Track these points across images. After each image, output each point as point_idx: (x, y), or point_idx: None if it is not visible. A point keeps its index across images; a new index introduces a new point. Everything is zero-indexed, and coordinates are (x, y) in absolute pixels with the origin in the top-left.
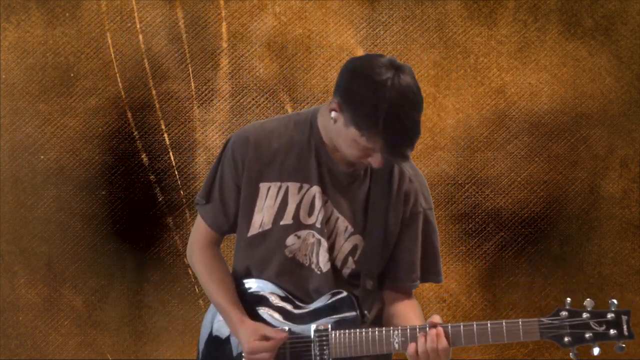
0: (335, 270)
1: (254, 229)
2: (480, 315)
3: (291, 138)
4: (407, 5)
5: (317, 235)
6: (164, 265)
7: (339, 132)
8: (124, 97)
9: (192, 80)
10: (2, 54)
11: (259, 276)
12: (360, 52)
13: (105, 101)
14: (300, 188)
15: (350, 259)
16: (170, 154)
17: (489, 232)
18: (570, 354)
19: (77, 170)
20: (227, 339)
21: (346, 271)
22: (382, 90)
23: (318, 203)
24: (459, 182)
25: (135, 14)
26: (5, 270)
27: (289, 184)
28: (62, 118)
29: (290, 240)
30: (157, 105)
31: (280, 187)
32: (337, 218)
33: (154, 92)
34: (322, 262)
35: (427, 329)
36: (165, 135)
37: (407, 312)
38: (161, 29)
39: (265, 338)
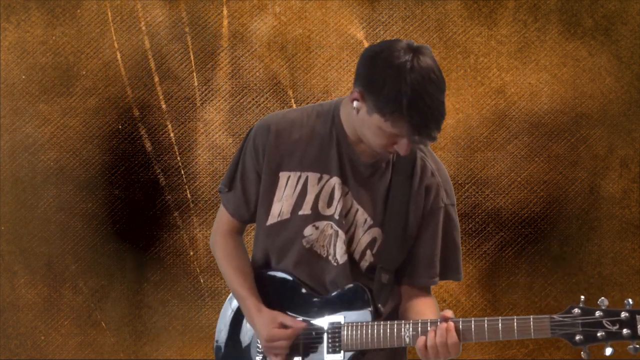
0: (353, 262)
1: (273, 218)
2: (480, 315)
3: (313, 128)
4: (407, 5)
5: (335, 227)
6: (164, 265)
7: (363, 121)
8: (129, 95)
9: (192, 80)
10: (2, 54)
11: (277, 265)
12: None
13: (105, 101)
14: (320, 178)
15: (368, 251)
16: (176, 151)
17: (489, 232)
18: (582, 353)
19: (77, 170)
20: (243, 326)
21: (364, 264)
22: (403, 73)
23: (337, 194)
24: (459, 182)
25: (136, 14)
26: (5, 270)
27: (309, 174)
28: (62, 118)
29: (308, 230)
30: (157, 105)
31: (300, 177)
32: (357, 210)
33: (154, 92)
34: (339, 254)
35: (438, 323)
36: (167, 135)
37: (424, 309)
38: (161, 29)
39: (284, 326)
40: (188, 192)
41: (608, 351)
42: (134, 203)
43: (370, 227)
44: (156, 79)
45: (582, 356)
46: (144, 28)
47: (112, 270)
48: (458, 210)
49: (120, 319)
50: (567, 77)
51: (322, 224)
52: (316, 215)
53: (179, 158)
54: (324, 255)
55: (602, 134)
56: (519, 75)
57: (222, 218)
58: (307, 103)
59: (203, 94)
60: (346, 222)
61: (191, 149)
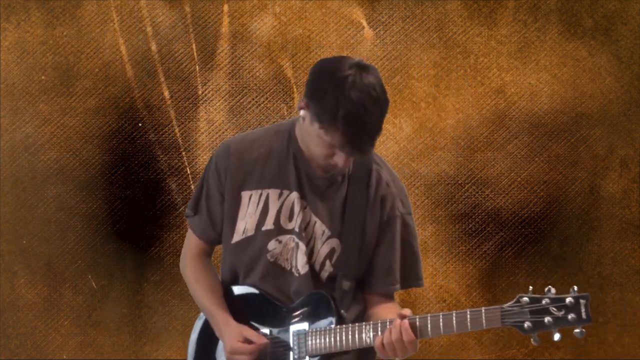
0: (314, 273)
1: (238, 236)
2: None
3: (270, 147)
4: (407, 5)
5: (296, 239)
6: (164, 265)
7: (307, 130)
8: (129, 95)
9: (191, 80)
10: (2, 54)
11: (244, 280)
12: (360, 52)
13: (105, 101)
14: (281, 194)
15: (327, 262)
16: (176, 151)
17: (489, 232)
18: (532, 340)
19: (77, 170)
20: (213, 340)
21: (324, 274)
22: (343, 85)
23: (297, 208)
24: (459, 182)
25: (136, 15)
26: (5, 270)
27: (270, 190)
28: (62, 118)
29: (272, 245)
30: (158, 106)
31: (261, 194)
32: (315, 222)
33: (154, 92)
34: (300, 264)
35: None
36: (167, 135)
37: (386, 314)
38: (161, 29)
39: (248, 341)
40: (188, 191)
41: (556, 336)
42: (134, 203)
43: (328, 238)
44: (156, 79)
45: (532, 342)
46: (144, 28)
47: (112, 270)
48: (458, 210)
49: (120, 319)
50: (567, 77)
51: (284, 237)
52: (279, 230)
53: (179, 158)
54: (288, 268)
55: (602, 134)
56: (519, 75)
57: (191, 241)
58: None
59: (203, 94)
60: (306, 234)
61: (192, 149)
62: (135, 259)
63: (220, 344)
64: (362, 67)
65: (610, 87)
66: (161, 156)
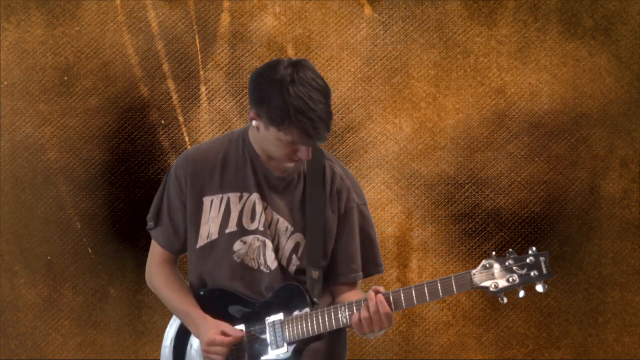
0: (282, 269)
1: (202, 240)
2: (480, 315)
3: (227, 153)
4: (407, 5)
5: (262, 238)
6: None
7: (264, 137)
8: (129, 95)
9: (192, 80)
10: (2, 54)
11: (212, 284)
12: (360, 52)
13: (105, 101)
14: (241, 197)
15: (294, 256)
16: (176, 151)
17: (489, 232)
18: (499, 299)
19: (77, 170)
20: (185, 344)
21: (292, 268)
22: (285, 85)
23: (259, 208)
24: (459, 182)
25: (136, 15)
26: (5, 270)
27: (230, 194)
28: (62, 118)
29: (237, 245)
30: (158, 106)
31: (222, 199)
32: (278, 220)
33: (154, 92)
34: (269, 260)
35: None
36: (167, 134)
37: (354, 298)
38: (161, 29)
39: (224, 334)
40: None
41: (521, 293)
42: (134, 203)
43: (292, 233)
44: (157, 79)
45: (500, 302)
46: (144, 28)
47: (112, 270)
48: (458, 210)
49: (120, 319)
50: (567, 77)
51: (248, 238)
52: (242, 231)
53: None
54: (256, 267)
55: (602, 134)
56: (519, 75)
57: (155, 252)
58: None
59: (203, 94)
60: (270, 232)
61: None
62: (135, 259)
63: (192, 344)
64: (295, 64)
65: (610, 87)
66: (161, 156)
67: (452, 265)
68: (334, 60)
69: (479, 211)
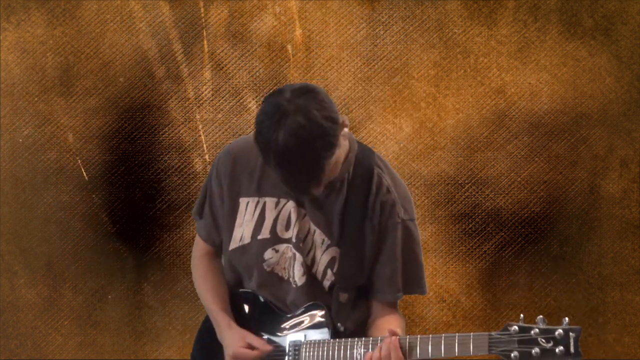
0: (315, 282)
1: (235, 243)
2: (480, 315)
3: None
4: (407, 5)
5: (293, 250)
6: (164, 265)
7: None
8: (130, 95)
9: (192, 80)
10: (2, 54)
11: (247, 286)
12: (360, 52)
13: (105, 101)
14: (277, 203)
15: (329, 271)
16: (176, 151)
17: (489, 232)
18: None
19: (77, 170)
20: (215, 342)
21: (326, 283)
22: (267, 152)
23: (294, 217)
24: (459, 182)
25: (136, 14)
26: (5, 270)
27: (267, 199)
28: (62, 118)
29: (269, 254)
30: (158, 105)
31: (258, 202)
32: (315, 231)
33: (154, 92)
34: (297, 275)
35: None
36: (167, 134)
37: (386, 325)
38: (161, 29)
39: (251, 347)
40: (188, 191)
41: None
42: (134, 203)
43: (328, 246)
44: (156, 79)
45: None
46: (144, 28)
47: (112, 270)
48: (458, 210)
49: (120, 319)
50: (567, 77)
51: (281, 247)
52: (275, 239)
53: (179, 158)
54: (285, 278)
55: (602, 134)
56: (519, 75)
57: (198, 243)
58: None
59: (203, 94)
60: (305, 244)
61: (191, 149)
62: (135, 259)
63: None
64: (281, 117)
65: (610, 87)
66: (161, 156)
67: (452, 265)
68: (334, 60)
69: (479, 211)
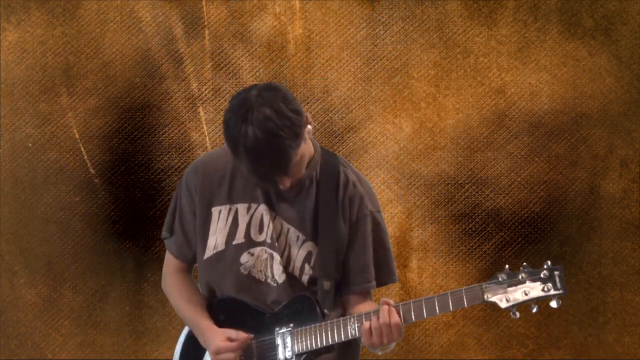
0: (293, 279)
1: (209, 251)
2: (480, 315)
3: (236, 163)
4: (407, 5)
5: (269, 250)
6: None
7: None
8: (129, 95)
9: (192, 80)
10: (2, 54)
11: (221, 295)
12: (360, 52)
13: (105, 101)
14: (249, 208)
15: (306, 265)
16: (176, 151)
17: (489, 232)
18: (511, 313)
19: (77, 170)
20: (200, 349)
21: (304, 278)
22: (236, 145)
23: (266, 220)
24: (459, 182)
25: (136, 14)
26: (5, 270)
27: (238, 205)
28: (62, 118)
29: (244, 257)
30: (158, 105)
31: (230, 209)
32: (288, 229)
33: (154, 92)
34: (277, 274)
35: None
36: (167, 134)
37: (365, 310)
38: (161, 29)
39: (230, 340)
40: None
41: (534, 309)
42: (134, 203)
43: (303, 242)
44: (156, 79)
45: (512, 316)
46: (144, 28)
47: (112, 270)
48: (458, 210)
49: (120, 319)
50: (567, 77)
51: (256, 250)
52: (250, 243)
53: (179, 158)
54: (263, 279)
55: (602, 134)
56: (519, 75)
57: (169, 261)
58: (307, 103)
59: (203, 94)
60: (279, 243)
61: (191, 149)
62: (135, 259)
63: (207, 355)
64: (245, 113)
65: (610, 87)
66: (161, 156)
67: (452, 265)
68: (334, 60)
69: (479, 211)
